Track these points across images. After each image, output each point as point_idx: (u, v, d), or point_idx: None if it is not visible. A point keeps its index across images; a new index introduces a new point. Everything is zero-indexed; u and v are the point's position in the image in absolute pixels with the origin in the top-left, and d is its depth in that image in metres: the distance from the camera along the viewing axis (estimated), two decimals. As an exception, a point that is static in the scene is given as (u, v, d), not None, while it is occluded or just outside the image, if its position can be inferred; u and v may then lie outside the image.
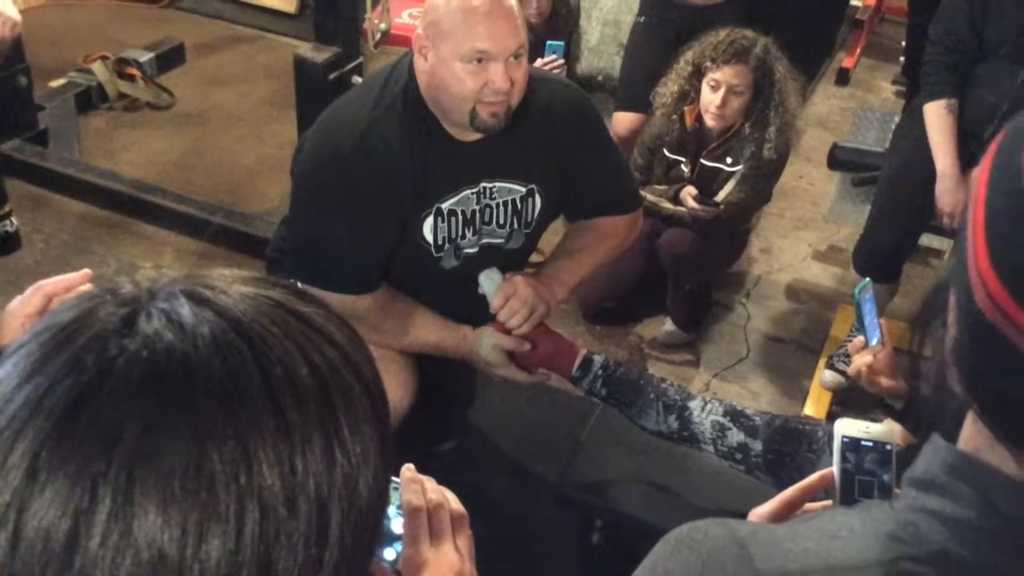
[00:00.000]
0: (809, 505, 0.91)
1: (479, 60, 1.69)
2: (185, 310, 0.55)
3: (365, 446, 0.57)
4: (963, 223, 0.61)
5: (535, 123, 1.85)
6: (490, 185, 1.87)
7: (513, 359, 1.92)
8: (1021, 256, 0.57)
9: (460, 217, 1.86)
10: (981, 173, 0.60)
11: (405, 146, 1.77)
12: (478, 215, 1.88)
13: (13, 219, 2.18)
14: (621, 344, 3.08)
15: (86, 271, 1.10)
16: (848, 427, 0.91)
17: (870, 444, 0.90)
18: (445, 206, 1.84)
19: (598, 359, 1.82)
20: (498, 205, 1.90)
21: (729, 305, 3.27)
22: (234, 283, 0.59)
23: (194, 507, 0.50)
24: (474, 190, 1.86)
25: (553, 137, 1.87)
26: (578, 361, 1.83)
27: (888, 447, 0.89)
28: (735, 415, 1.65)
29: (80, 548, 0.49)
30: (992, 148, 0.61)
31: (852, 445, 0.90)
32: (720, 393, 2.91)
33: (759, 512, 0.90)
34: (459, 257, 1.91)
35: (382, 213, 1.80)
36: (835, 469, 0.90)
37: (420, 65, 1.75)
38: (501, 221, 1.92)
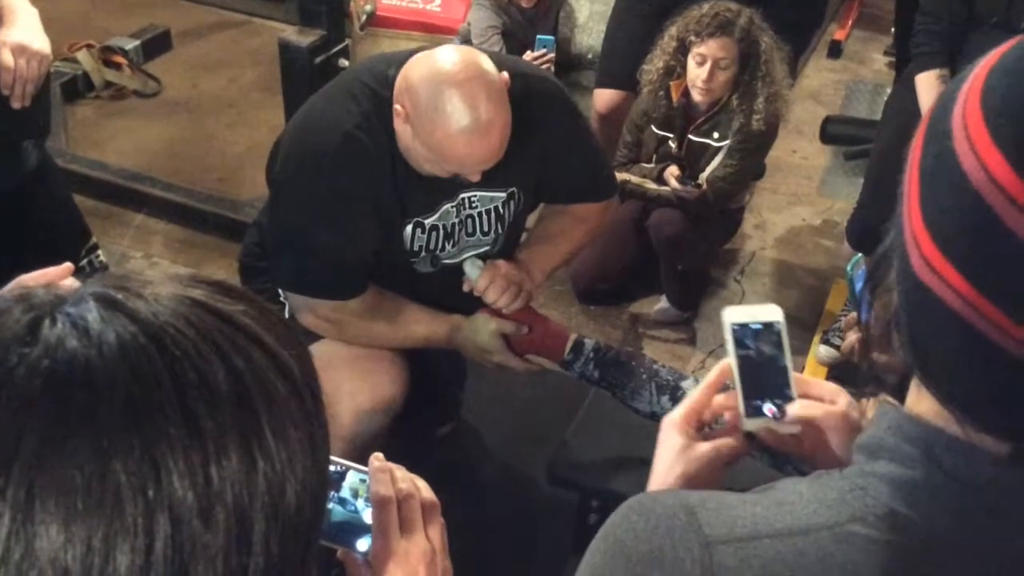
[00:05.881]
0: (719, 442, 0.91)
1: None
2: (92, 315, 0.53)
3: (291, 450, 0.55)
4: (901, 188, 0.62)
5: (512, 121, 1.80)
6: (468, 195, 1.84)
7: (508, 345, 1.90)
8: (949, 216, 0.58)
9: (441, 231, 1.85)
10: (917, 138, 0.61)
11: (387, 159, 1.74)
12: (458, 227, 1.86)
13: (100, 253, 2.16)
14: (616, 324, 3.07)
15: (67, 265, 1.07)
16: (736, 315, 0.91)
17: (759, 327, 0.90)
18: (427, 222, 1.83)
19: (589, 342, 1.80)
20: (480, 214, 1.88)
21: (723, 282, 3.26)
22: (153, 284, 0.56)
23: (99, 522, 0.48)
24: (453, 203, 1.84)
25: (529, 133, 1.81)
26: (569, 344, 1.82)
27: (776, 327, 0.90)
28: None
29: None
30: (927, 114, 0.62)
31: (742, 331, 0.90)
32: (716, 370, 2.90)
33: (671, 418, 0.90)
34: (435, 265, 1.89)
35: (365, 215, 1.77)
36: (731, 360, 0.90)
37: (397, 124, 1.69)
38: (485, 229, 1.90)
